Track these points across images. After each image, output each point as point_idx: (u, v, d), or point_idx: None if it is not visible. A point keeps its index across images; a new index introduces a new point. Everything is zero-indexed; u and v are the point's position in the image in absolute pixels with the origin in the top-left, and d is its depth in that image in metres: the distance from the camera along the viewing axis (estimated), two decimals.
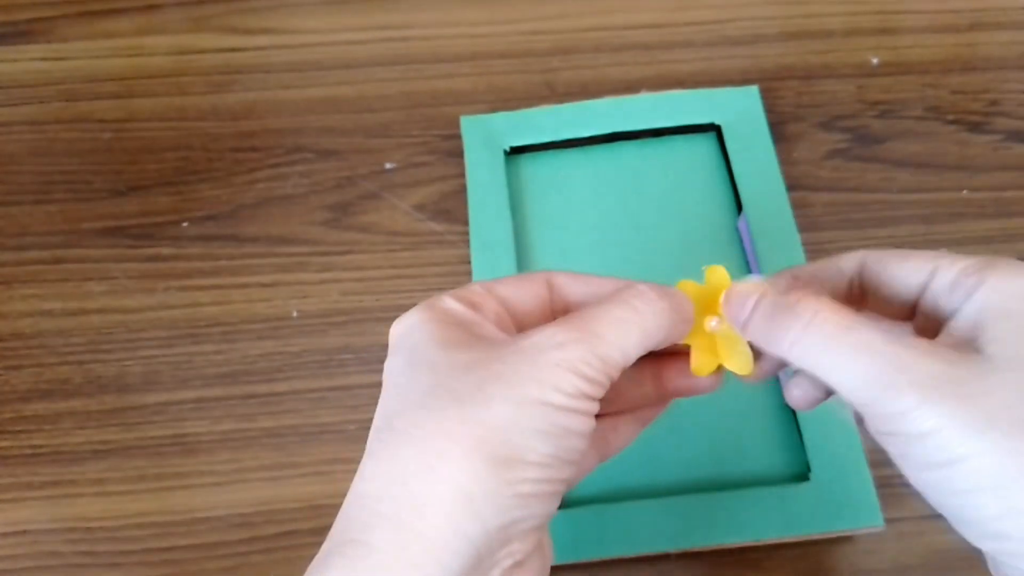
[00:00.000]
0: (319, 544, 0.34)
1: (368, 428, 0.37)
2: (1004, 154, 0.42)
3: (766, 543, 0.33)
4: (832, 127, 0.43)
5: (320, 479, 0.35)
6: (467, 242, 0.40)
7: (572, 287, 0.26)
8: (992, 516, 0.20)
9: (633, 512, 0.33)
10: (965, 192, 0.41)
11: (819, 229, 0.40)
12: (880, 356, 0.21)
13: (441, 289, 0.39)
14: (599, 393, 0.22)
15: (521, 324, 0.25)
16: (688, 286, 0.27)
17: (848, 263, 0.26)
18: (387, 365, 0.24)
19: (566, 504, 0.33)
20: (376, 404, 0.37)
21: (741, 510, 0.33)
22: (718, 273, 0.27)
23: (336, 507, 0.34)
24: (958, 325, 0.23)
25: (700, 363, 0.26)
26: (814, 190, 0.41)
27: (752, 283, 0.25)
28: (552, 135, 0.41)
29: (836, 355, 0.22)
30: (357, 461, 0.35)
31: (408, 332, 0.24)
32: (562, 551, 0.32)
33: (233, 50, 0.47)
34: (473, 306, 0.24)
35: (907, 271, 0.25)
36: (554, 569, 0.32)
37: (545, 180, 0.41)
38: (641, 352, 0.23)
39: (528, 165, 0.42)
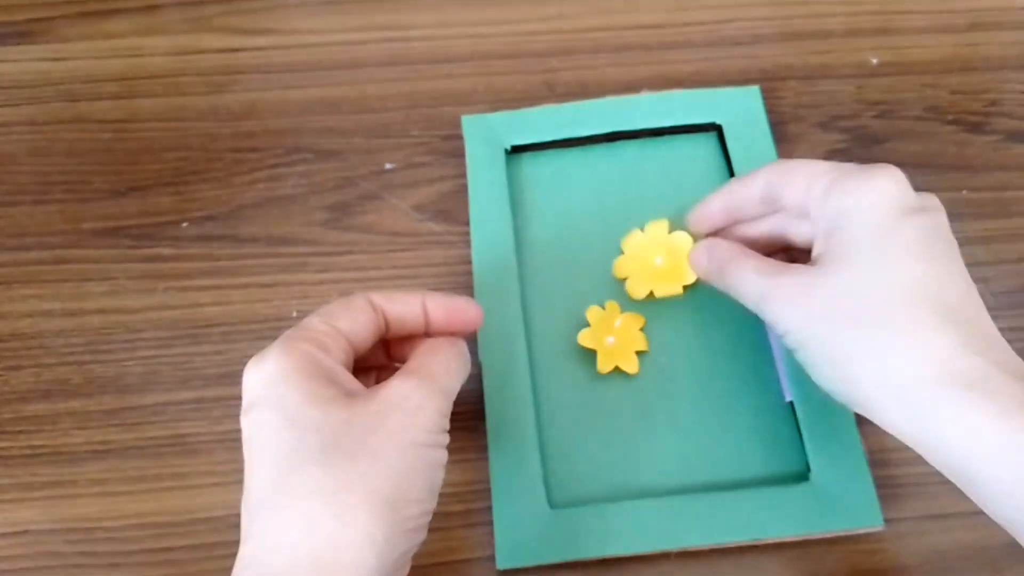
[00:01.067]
0: None
1: None
2: (1004, 154, 0.42)
3: (766, 543, 0.33)
4: (831, 127, 0.43)
5: None
6: (467, 242, 0.40)
7: (388, 306, 0.30)
8: (828, 379, 0.29)
9: (633, 511, 0.33)
10: (965, 192, 0.41)
11: None
12: (764, 278, 0.30)
13: (439, 289, 0.39)
14: (447, 424, 0.28)
15: (358, 349, 0.29)
16: (593, 311, 0.37)
17: (755, 186, 0.33)
18: (255, 419, 0.26)
19: (566, 504, 0.34)
20: None
21: (741, 510, 0.33)
22: (608, 307, 0.37)
23: None
24: (818, 232, 0.30)
25: (602, 364, 0.36)
26: None
27: (702, 245, 0.35)
28: (553, 134, 0.41)
29: (744, 283, 0.31)
30: None
31: (272, 384, 0.26)
32: (562, 550, 0.32)
33: (233, 50, 0.47)
34: (325, 349, 0.27)
35: (794, 187, 0.31)
36: (554, 568, 0.33)
37: (546, 179, 0.41)
38: (462, 382, 0.30)
39: (529, 164, 0.42)
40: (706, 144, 0.42)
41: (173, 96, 0.45)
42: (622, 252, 0.38)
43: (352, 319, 0.28)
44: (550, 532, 0.32)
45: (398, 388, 0.27)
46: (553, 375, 0.36)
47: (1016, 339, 0.37)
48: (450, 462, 0.28)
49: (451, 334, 0.31)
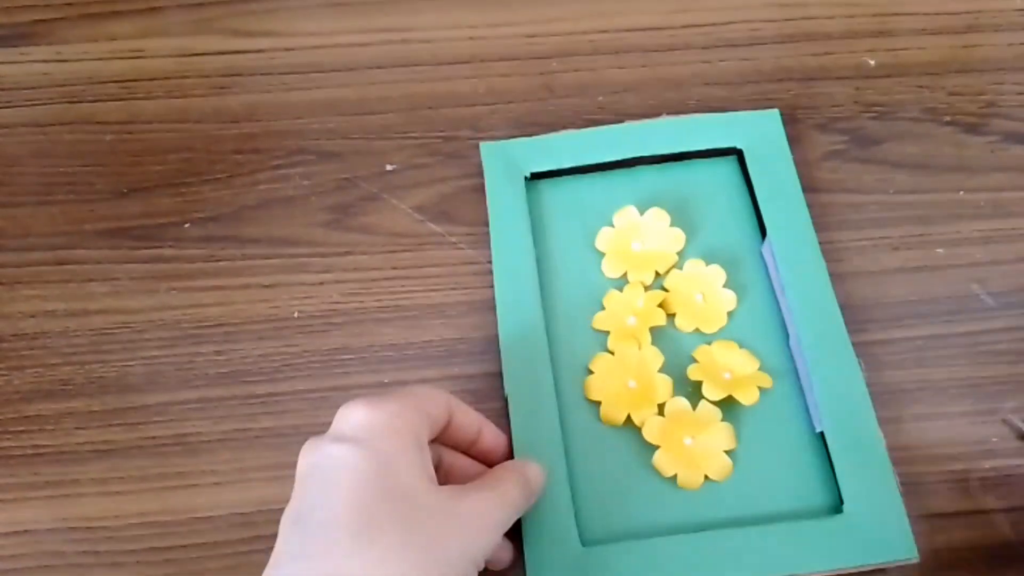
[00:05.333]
0: None
1: None
2: (1001, 155, 0.42)
3: None
4: (829, 129, 0.43)
5: None
6: (467, 243, 0.40)
7: (457, 414, 0.31)
8: None
9: (666, 548, 0.32)
10: (962, 193, 0.41)
11: (817, 231, 0.40)
12: None
13: (440, 290, 0.39)
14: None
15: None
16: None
17: None
18: (351, 453, 0.26)
19: (598, 541, 0.33)
20: None
21: (774, 544, 0.32)
22: (628, 288, 0.38)
23: None
24: None
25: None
26: (811, 192, 0.41)
27: None
28: (573, 160, 0.41)
29: None
30: None
31: (384, 432, 0.27)
32: None
33: (235, 52, 0.47)
34: (427, 429, 0.28)
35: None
36: None
37: (567, 205, 0.41)
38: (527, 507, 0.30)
39: (549, 191, 0.41)
40: (726, 168, 0.42)
41: (175, 98, 0.46)
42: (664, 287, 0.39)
43: (438, 410, 0.30)
44: (583, 571, 0.32)
45: (475, 505, 0.27)
46: (580, 408, 0.36)
47: (1015, 339, 0.38)
48: None
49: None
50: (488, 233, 0.40)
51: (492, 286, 0.39)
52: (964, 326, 0.38)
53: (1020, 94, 0.44)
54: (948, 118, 0.44)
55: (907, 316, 0.38)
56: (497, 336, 0.38)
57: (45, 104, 0.46)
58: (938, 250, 0.40)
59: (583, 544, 0.32)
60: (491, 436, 0.33)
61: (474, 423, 0.32)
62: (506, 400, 0.36)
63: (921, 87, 0.45)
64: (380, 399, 0.28)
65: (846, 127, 0.43)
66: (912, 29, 0.47)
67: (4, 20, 0.49)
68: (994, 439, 0.35)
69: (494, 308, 0.39)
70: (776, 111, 0.42)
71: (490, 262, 0.40)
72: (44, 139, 0.45)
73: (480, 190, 0.42)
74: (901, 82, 0.45)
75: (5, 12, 0.49)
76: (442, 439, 0.31)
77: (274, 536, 0.34)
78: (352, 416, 0.27)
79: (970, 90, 0.44)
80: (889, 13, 0.47)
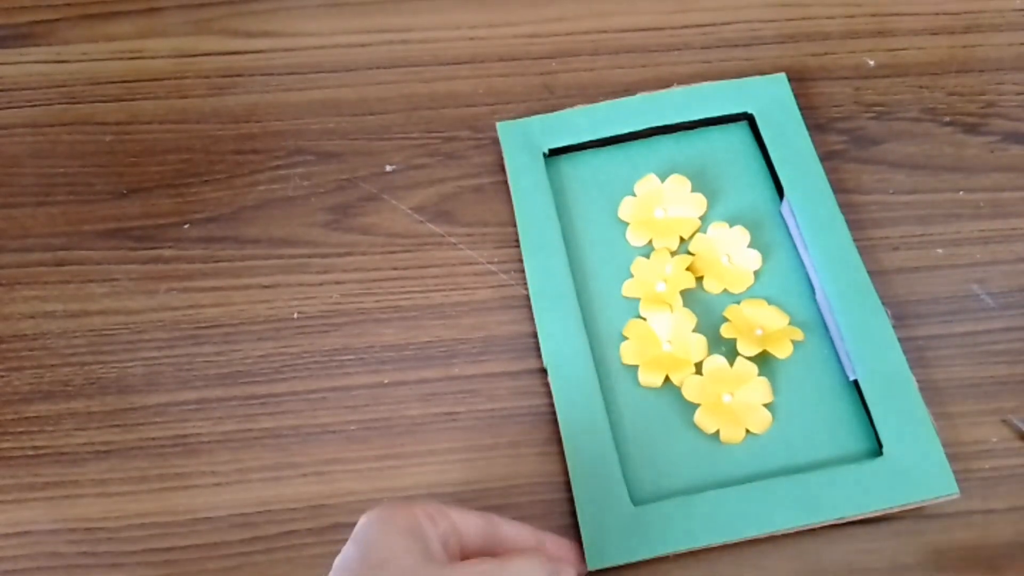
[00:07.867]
0: (319, 544, 0.34)
1: (369, 427, 0.37)
2: (1000, 155, 0.43)
3: (769, 535, 0.33)
4: (829, 129, 0.43)
5: (320, 479, 0.35)
6: (466, 243, 0.40)
7: (505, 528, 0.31)
8: None
9: (715, 501, 0.33)
10: (961, 193, 0.41)
11: None
12: None
13: (439, 290, 0.39)
14: None
15: (463, 544, 0.30)
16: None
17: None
18: (343, 551, 0.28)
19: (648, 500, 0.34)
20: (375, 405, 0.38)
21: (821, 489, 0.33)
22: (655, 255, 0.39)
23: (336, 507, 0.35)
24: None
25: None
26: None
27: None
28: (590, 134, 0.42)
29: None
30: (357, 461, 0.36)
31: (371, 523, 0.28)
32: (650, 546, 0.32)
33: (234, 53, 0.47)
34: (431, 519, 0.29)
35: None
36: (642, 564, 0.32)
37: (586, 179, 0.42)
38: None
39: (568, 166, 0.42)
40: (739, 133, 0.43)
41: (174, 98, 0.46)
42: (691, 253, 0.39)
43: (464, 516, 0.30)
44: (636, 529, 0.32)
45: (470, 568, 0.28)
46: (619, 373, 0.36)
47: (1014, 339, 0.38)
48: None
49: None
50: (489, 233, 0.41)
51: (492, 286, 0.39)
52: (964, 326, 0.38)
53: (1020, 94, 0.44)
54: (948, 118, 0.44)
55: (907, 316, 0.38)
56: (496, 336, 0.38)
57: (44, 105, 0.46)
58: (938, 250, 0.40)
59: (634, 504, 0.33)
60: (555, 546, 0.32)
61: (526, 538, 0.32)
62: (545, 372, 0.36)
63: (921, 87, 0.45)
64: (381, 503, 0.29)
65: (846, 127, 0.43)
66: (912, 29, 0.47)
67: (4, 20, 0.49)
68: (994, 439, 0.35)
69: (493, 308, 0.39)
70: (783, 75, 0.43)
71: (490, 262, 0.40)
72: (43, 139, 0.45)
73: (480, 190, 0.42)
74: (901, 82, 0.45)
75: (5, 12, 0.49)
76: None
77: (274, 536, 0.34)
78: (360, 520, 0.29)
79: (970, 90, 0.44)
80: (889, 13, 0.47)
